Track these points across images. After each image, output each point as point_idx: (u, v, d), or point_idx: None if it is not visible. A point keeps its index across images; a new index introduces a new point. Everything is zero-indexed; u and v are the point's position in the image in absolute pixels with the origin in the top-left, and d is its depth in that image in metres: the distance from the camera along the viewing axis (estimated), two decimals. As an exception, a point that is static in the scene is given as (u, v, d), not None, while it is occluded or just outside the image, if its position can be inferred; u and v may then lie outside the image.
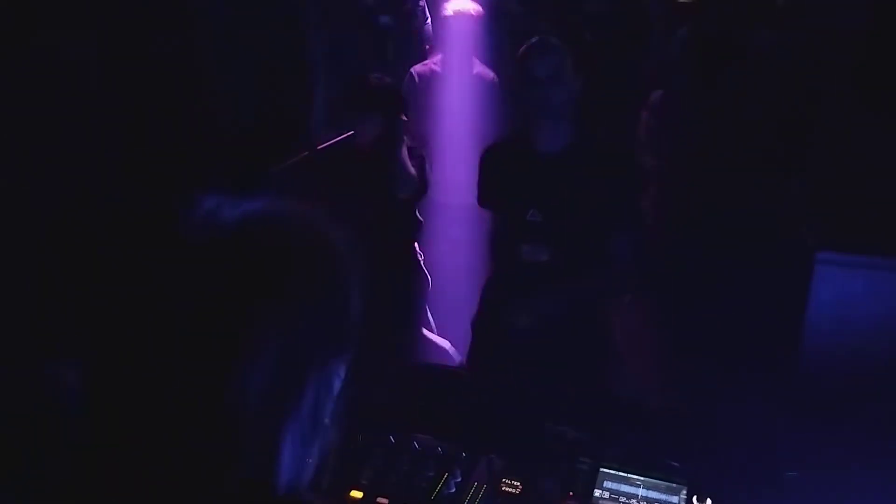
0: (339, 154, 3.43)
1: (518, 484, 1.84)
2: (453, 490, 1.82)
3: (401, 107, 3.39)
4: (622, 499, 1.82)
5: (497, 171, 2.88)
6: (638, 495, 1.83)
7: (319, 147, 3.35)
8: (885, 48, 3.05)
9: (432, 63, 4.32)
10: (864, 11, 3.16)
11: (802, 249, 2.53)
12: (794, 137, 3.04)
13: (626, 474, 1.87)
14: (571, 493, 1.84)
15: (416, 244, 3.69)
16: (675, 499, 1.82)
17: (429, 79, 4.25)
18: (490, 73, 4.23)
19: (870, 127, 2.80)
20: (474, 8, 4.18)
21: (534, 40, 2.72)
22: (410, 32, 4.73)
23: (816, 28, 3.36)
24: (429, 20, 4.67)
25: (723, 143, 3.14)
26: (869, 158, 2.76)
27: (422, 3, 4.70)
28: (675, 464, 1.94)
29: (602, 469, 1.88)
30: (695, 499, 1.80)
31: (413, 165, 3.40)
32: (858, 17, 3.19)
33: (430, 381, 2.30)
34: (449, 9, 4.18)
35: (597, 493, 1.83)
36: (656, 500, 1.82)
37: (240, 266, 0.80)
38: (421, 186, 3.48)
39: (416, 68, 4.31)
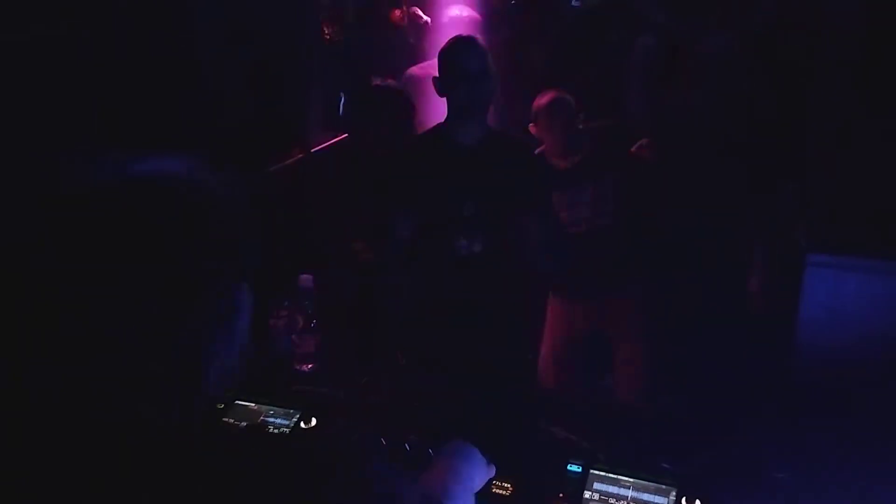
0: (334, 156, 3.45)
1: (508, 486, 1.85)
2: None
3: (408, 110, 3.41)
4: (611, 500, 1.82)
5: (423, 168, 2.84)
6: (627, 497, 1.83)
7: (315, 149, 3.36)
8: (881, 49, 3.06)
9: (429, 65, 4.34)
10: (859, 13, 3.17)
11: (795, 251, 2.54)
12: (787, 139, 3.06)
13: (615, 476, 1.88)
14: (562, 495, 1.84)
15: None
16: (664, 500, 1.82)
17: (424, 82, 4.27)
18: None
19: (864, 129, 2.81)
20: (470, 13, 4.23)
21: (461, 37, 2.81)
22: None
23: (812, 30, 3.37)
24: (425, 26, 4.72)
25: (714, 144, 3.15)
26: (861, 161, 2.77)
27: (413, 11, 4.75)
28: (666, 465, 1.95)
29: (592, 471, 1.89)
30: (684, 500, 1.81)
31: None
32: (854, 19, 3.20)
33: (422, 382, 2.31)
34: (446, 15, 4.23)
35: (587, 494, 1.84)
36: (646, 502, 1.82)
37: (136, 214, 0.90)
38: None
39: (413, 70, 4.33)
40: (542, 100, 3.27)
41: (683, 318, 3.08)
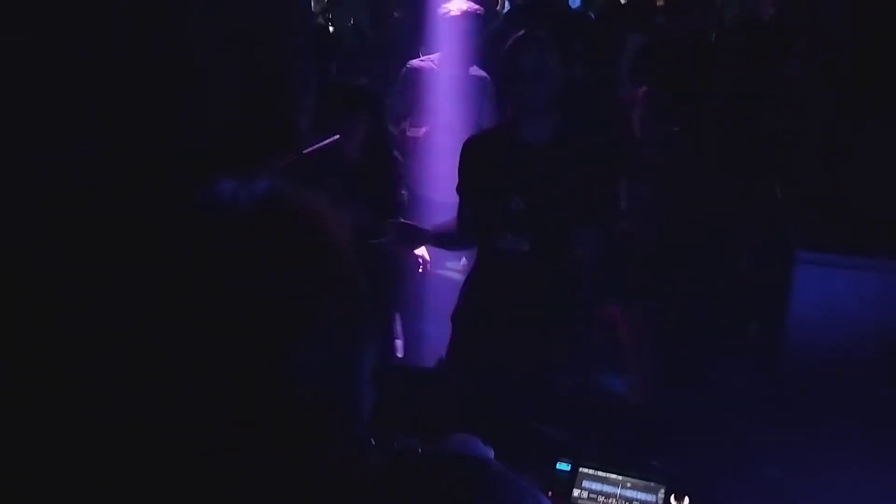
0: (326, 157, 3.44)
1: (497, 484, 1.84)
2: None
3: (381, 107, 3.41)
4: (601, 498, 1.83)
5: (481, 160, 2.89)
6: (616, 494, 1.84)
7: (306, 151, 3.34)
8: (867, 50, 3.06)
9: (430, 60, 4.32)
10: (845, 16, 3.18)
11: (785, 250, 2.54)
12: (777, 140, 3.06)
13: (605, 474, 1.88)
14: (551, 493, 1.84)
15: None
16: (653, 498, 1.83)
17: (425, 75, 4.26)
18: (483, 74, 4.25)
19: (851, 127, 2.81)
20: (474, 7, 4.19)
21: (520, 34, 2.79)
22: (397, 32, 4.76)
23: (800, 32, 3.38)
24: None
25: (707, 146, 3.16)
26: (849, 158, 2.78)
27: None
28: (654, 462, 1.95)
29: (581, 469, 1.89)
30: (672, 498, 1.81)
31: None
32: (844, 19, 3.21)
33: (411, 381, 2.31)
34: (449, 8, 4.18)
35: (576, 492, 1.84)
36: (635, 500, 1.83)
37: (282, 244, 0.82)
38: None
39: (414, 63, 4.33)
40: (639, 90, 3.24)
41: (685, 319, 3.08)
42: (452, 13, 4.19)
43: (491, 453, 1.58)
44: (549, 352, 2.85)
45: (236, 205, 0.82)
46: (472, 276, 3.03)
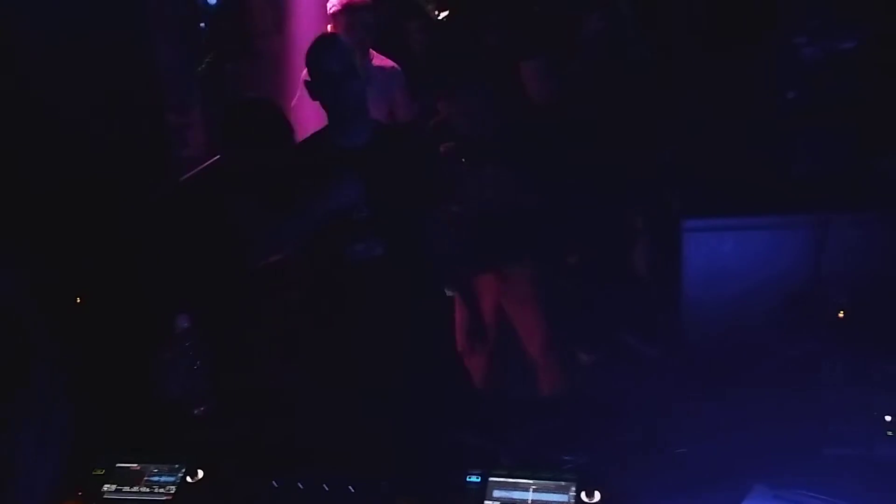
0: (209, 181, 3.30)
1: (409, 507, 1.80)
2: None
3: (281, 125, 3.16)
4: (512, 506, 1.80)
5: (310, 175, 2.70)
6: (528, 500, 1.81)
7: (184, 178, 3.22)
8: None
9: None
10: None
11: (670, 219, 2.56)
12: (652, 108, 3.08)
13: (515, 479, 1.85)
14: (462, 510, 1.81)
15: None
16: (564, 497, 1.81)
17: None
18: (391, 63, 4.03)
19: (722, 89, 2.85)
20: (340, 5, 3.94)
21: (322, 36, 2.73)
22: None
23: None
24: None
25: (583, 119, 3.16)
26: (726, 121, 2.81)
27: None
28: (567, 458, 1.94)
29: (491, 478, 1.85)
30: (583, 494, 1.80)
31: None
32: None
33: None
34: (333, 3, 3.90)
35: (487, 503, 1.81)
36: (547, 502, 1.80)
37: None
38: None
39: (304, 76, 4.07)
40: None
41: (569, 299, 3.07)
42: (335, 8, 3.94)
43: None
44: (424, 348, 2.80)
45: None
46: (318, 296, 2.88)
